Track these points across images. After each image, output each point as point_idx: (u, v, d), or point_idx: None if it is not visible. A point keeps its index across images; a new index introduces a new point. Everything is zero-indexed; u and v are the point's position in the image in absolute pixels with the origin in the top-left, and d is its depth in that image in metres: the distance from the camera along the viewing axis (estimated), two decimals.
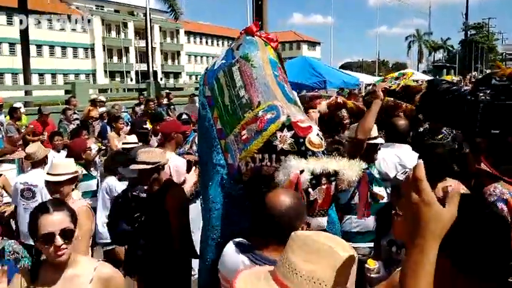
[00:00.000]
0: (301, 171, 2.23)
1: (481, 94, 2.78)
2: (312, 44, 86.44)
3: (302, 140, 2.35)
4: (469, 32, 69.65)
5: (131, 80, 51.22)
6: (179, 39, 68.16)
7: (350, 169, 2.29)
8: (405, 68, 64.93)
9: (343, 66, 47.41)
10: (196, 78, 60.98)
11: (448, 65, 56.99)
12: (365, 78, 20.59)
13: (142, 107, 13.36)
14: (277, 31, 43.05)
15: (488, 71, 44.60)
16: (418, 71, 52.66)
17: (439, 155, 3.21)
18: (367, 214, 3.00)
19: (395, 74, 5.26)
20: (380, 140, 3.82)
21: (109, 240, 4.43)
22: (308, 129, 2.38)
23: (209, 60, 73.12)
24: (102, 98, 12.89)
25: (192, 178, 4.36)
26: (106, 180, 4.86)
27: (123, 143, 5.90)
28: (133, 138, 5.98)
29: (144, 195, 3.78)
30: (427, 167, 3.05)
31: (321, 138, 2.41)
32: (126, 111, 12.58)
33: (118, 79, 53.75)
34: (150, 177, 3.60)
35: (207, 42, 74.37)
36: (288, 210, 1.96)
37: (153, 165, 3.56)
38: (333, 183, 2.34)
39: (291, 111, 2.50)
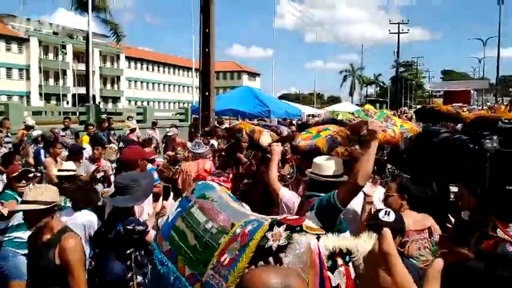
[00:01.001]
0: (318, 238, 2.02)
1: (487, 141, 2.33)
2: (252, 75, 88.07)
3: (299, 227, 2.15)
4: (399, 69, 73.95)
5: (67, 103, 49.34)
6: (119, 64, 67.02)
7: (363, 246, 2.03)
8: (339, 101, 67.74)
9: (281, 97, 48.66)
10: (136, 104, 60.04)
11: (381, 99, 60.03)
12: (306, 110, 21.14)
13: (68, 131, 12.72)
14: (218, 61, 43.49)
15: (417, 106, 47.28)
16: (352, 103, 55.02)
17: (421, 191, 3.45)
18: None
19: (375, 110, 4.96)
20: (345, 178, 3.69)
21: None
22: (299, 219, 2.24)
23: (149, 85, 73.00)
24: (29, 120, 12.16)
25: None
26: (80, 215, 4.38)
27: (59, 170, 5.51)
28: (70, 165, 5.62)
29: (141, 227, 3.52)
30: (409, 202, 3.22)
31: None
32: (65, 135, 12.02)
33: (54, 102, 51.61)
34: (40, 221, 3.02)
35: (147, 68, 73.63)
36: None
37: (47, 206, 2.99)
38: (350, 264, 2.03)
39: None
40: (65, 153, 8.35)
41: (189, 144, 7.44)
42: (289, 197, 3.77)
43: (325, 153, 5.85)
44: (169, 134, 12.21)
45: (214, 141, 10.72)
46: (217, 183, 3.01)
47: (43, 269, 3.02)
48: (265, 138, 6.96)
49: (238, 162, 6.75)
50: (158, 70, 75.30)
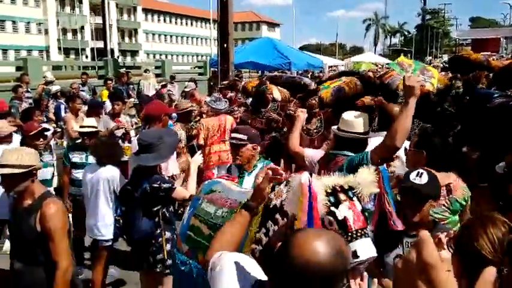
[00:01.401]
0: (310, 174, 2.00)
1: None
2: (272, 25, 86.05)
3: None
4: (425, 17, 71.29)
5: (86, 57, 49.21)
6: (136, 16, 66.15)
7: (364, 179, 2.05)
8: (362, 51, 65.94)
9: (301, 48, 47.46)
10: (154, 57, 59.64)
11: (405, 49, 58.33)
12: (328, 61, 20.58)
13: (86, 87, 12.55)
14: (236, 11, 42.25)
15: (444, 56, 45.79)
16: (375, 53, 53.62)
17: (443, 145, 2.98)
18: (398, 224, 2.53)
19: (413, 64, 4.59)
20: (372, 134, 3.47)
21: (110, 237, 4.33)
22: (298, 173, 2.14)
23: (167, 38, 72.16)
24: (48, 75, 12.06)
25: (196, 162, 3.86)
26: (104, 171, 4.33)
27: (81, 126, 5.36)
28: (91, 121, 5.43)
29: (167, 185, 3.47)
30: (429, 158, 2.71)
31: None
32: (84, 90, 11.92)
33: (73, 56, 51.62)
34: (19, 186, 2.86)
35: (165, 20, 72.51)
36: (326, 264, 1.25)
37: (25, 170, 2.80)
38: (355, 198, 2.03)
39: None
40: (85, 108, 8.27)
41: (208, 99, 7.24)
42: (312, 154, 3.64)
43: (330, 103, 5.71)
44: (186, 89, 11.98)
45: (232, 95, 10.52)
46: (224, 178, 2.95)
47: (24, 236, 2.90)
48: (276, 93, 6.75)
49: (264, 116, 6.58)
50: (176, 22, 74.07)
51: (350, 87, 5.88)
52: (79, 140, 5.46)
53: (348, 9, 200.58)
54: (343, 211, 1.97)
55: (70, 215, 5.09)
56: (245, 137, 3.40)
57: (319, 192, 1.97)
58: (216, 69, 15.25)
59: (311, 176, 2.01)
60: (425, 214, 2.49)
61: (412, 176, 2.51)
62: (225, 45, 12.88)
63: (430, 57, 50.53)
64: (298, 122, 3.80)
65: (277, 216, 2.07)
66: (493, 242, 1.71)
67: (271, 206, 2.14)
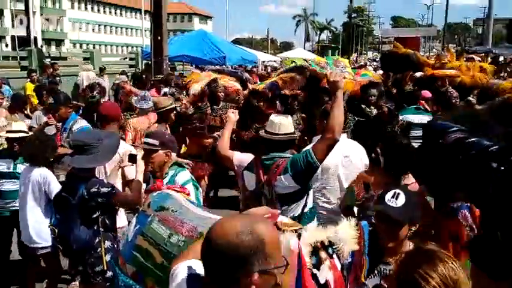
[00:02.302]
0: (298, 236, 1.93)
1: None
2: (204, 18, 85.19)
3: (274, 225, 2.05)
4: (352, 15, 73.92)
5: (6, 45, 45.82)
6: (62, 3, 62.63)
7: (345, 235, 2.01)
8: (292, 47, 67.08)
9: (234, 42, 47.19)
10: (81, 47, 56.88)
11: (332, 45, 60.10)
12: (261, 56, 20.76)
13: None
14: (168, 2, 41.10)
15: (370, 53, 47.62)
16: (304, 49, 54.83)
17: (403, 146, 3.00)
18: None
19: (326, 60, 4.95)
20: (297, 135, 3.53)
21: (47, 244, 3.97)
22: (272, 217, 2.04)
23: (95, 27, 68.97)
24: None
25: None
26: (35, 172, 4.04)
27: (8, 131, 4.58)
28: (21, 125, 4.73)
29: (106, 189, 3.25)
30: (389, 161, 2.73)
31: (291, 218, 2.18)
32: (5, 83, 11.08)
33: None
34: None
35: (92, 9, 69.13)
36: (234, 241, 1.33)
37: None
38: (335, 255, 2.01)
39: None
40: (6, 103, 7.74)
41: (133, 99, 6.68)
42: (241, 158, 3.56)
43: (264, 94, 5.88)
44: (116, 81, 11.51)
45: (167, 90, 10.32)
46: (175, 190, 2.75)
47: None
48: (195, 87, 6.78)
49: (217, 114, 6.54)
50: (104, 11, 70.98)
51: (284, 80, 6.04)
52: (4, 146, 4.79)
53: (277, 4, 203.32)
54: (324, 273, 1.97)
55: None
56: (157, 142, 3.19)
57: (306, 255, 1.91)
58: (149, 62, 14.91)
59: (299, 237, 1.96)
60: (401, 240, 2.27)
61: (388, 197, 2.26)
62: (159, 37, 12.62)
63: (356, 54, 52.59)
64: (229, 124, 3.72)
65: None
66: (447, 285, 1.49)
67: None
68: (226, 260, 1.31)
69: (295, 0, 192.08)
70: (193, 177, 3.26)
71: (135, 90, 9.06)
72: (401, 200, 2.22)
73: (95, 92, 7.72)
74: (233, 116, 3.75)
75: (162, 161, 3.21)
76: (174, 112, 5.98)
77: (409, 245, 2.29)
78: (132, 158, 3.43)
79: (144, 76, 13.37)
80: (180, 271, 1.63)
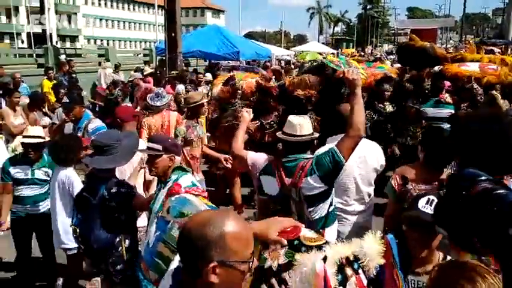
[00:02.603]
0: (324, 259, 1.89)
1: None
2: (216, 12, 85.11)
3: (297, 241, 1.99)
4: (366, 6, 73.13)
5: (22, 42, 46.37)
6: None
7: (370, 249, 1.97)
8: (305, 40, 66.49)
9: (246, 36, 47.11)
10: (95, 42, 57.35)
11: (347, 38, 59.65)
12: (275, 50, 20.64)
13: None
14: None
15: (385, 45, 47.07)
16: (318, 41, 54.46)
17: (446, 140, 3.00)
18: None
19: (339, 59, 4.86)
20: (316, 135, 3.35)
21: (74, 245, 3.92)
22: (295, 229, 2.05)
23: (108, 23, 69.28)
24: None
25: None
26: (61, 173, 4.05)
27: (24, 136, 4.52)
28: (37, 130, 4.57)
29: (126, 190, 3.31)
30: (432, 154, 2.80)
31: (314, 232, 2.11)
32: (24, 81, 11.13)
33: (7, 41, 48.42)
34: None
35: (106, 4, 69.59)
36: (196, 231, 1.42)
37: None
38: (360, 271, 1.96)
39: None
40: (26, 100, 7.81)
41: (148, 96, 6.51)
42: (256, 158, 3.49)
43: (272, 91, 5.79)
44: (130, 78, 11.47)
45: (181, 86, 10.30)
46: (193, 194, 2.77)
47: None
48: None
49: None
50: (117, 6, 71.29)
51: (292, 83, 5.95)
52: (20, 151, 4.73)
53: None
54: None
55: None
56: (160, 147, 3.17)
57: (332, 278, 1.88)
58: (163, 57, 14.91)
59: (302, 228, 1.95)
60: (433, 249, 2.18)
61: (421, 204, 2.14)
62: (173, 34, 12.59)
63: (371, 47, 52.04)
64: (243, 123, 3.67)
65: (274, 281, 1.97)
66: None
67: (265, 267, 2.00)
68: (189, 248, 1.43)
69: None
70: (195, 182, 3.17)
71: (150, 87, 9.05)
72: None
73: (117, 90, 7.74)
74: (247, 115, 3.70)
75: (166, 166, 3.18)
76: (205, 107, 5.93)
77: (438, 255, 2.21)
78: None
79: (158, 72, 13.43)
80: (174, 261, 1.71)
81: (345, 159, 2.92)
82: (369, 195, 3.67)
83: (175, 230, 2.45)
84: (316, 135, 3.20)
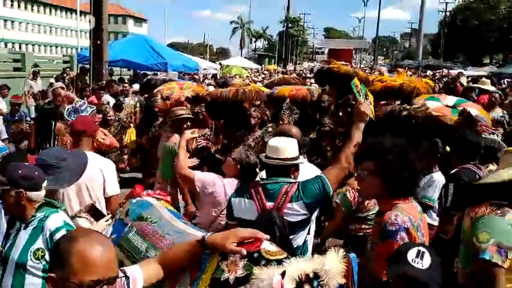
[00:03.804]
0: (283, 274, 1.82)
1: None
2: (139, 20, 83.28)
3: (257, 254, 1.95)
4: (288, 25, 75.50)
5: None
6: None
7: (331, 267, 1.91)
8: (228, 53, 67.11)
9: (169, 46, 45.90)
10: (6, 46, 53.27)
11: (270, 54, 61.13)
12: (202, 63, 20.55)
13: None
14: None
15: (305, 63, 48.87)
16: (241, 56, 55.24)
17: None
18: None
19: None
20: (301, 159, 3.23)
21: None
22: (256, 242, 2.01)
23: (22, 26, 64.68)
24: None
25: None
26: None
27: None
28: None
29: None
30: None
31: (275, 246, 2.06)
32: None
33: None
34: None
35: (19, 6, 64.97)
36: None
37: None
38: None
39: None
40: None
41: (65, 110, 6.06)
42: (204, 178, 3.41)
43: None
44: (51, 88, 10.74)
45: (108, 97, 9.88)
46: (155, 198, 2.60)
47: None
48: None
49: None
50: (32, 9, 66.79)
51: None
52: None
53: (213, 10, 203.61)
54: None
55: None
56: (5, 179, 2.55)
57: (287, 282, 1.82)
58: (85, 65, 14.21)
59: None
60: None
61: (411, 257, 1.96)
62: (98, 41, 12.05)
63: (292, 64, 53.71)
64: (182, 141, 3.57)
65: None
66: None
67: (222, 279, 1.94)
68: (51, 252, 1.60)
69: (230, 7, 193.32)
70: (68, 222, 2.69)
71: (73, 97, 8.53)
72: (428, 259, 1.94)
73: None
74: (188, 132, 3.62)
75: (16, 202, 2.58)
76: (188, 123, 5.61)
77: None
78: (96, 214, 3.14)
79: (80, 82, 12.76)
80: None
81: (332, 190, 2.85)
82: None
83: (133, 233, 2.33)
84: (302, 160, 3.06)
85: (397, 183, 2.33)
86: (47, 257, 2.52)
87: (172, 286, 2.05)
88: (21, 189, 2.57)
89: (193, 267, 2.01)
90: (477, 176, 3.67)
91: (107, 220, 3.00)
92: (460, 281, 2.65)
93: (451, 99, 5.18)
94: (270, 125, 5.98)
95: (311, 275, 1.89)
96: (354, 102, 6.76)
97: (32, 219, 2.61)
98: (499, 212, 2.44)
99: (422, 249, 1.97)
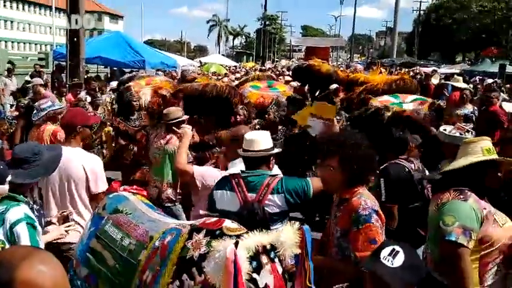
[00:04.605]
0: (236, 244, 1.93)
1: None
2: (115, 17, 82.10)
3: (219, 231, 2.05)
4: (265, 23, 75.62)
5: None
6: None
7: (287, 239, 2.03)
8: (206, 51, 66.79)
9: (146, 43, 45.50)
10: None
11: (247, 52, 61.15)
12: (181, 61, 20.49)
13: None
14: None
15: (283, 61, 49.15)
16: (219, 53, 55.12)
17: None
18: None
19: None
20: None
21: None
22: (218, 221, 2.14)
23: (6, 24, 62.96)
24: None
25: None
26: None
27: None
28: None
29: None
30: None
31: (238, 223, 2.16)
32: None
33: None
34: None
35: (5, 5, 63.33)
36: None
37: None
38: (276, 259, 2.02)
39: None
40: None
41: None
42: (202, 172, 3.50)
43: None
44: (29, 85, 10.61)
45: (84, 94, 9.81)
46: (132, 192, 2.71)
47: None
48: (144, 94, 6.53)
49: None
50: (5, 5, 65.07)
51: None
52: None
53: (190, 7, 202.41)
54: (264, 277, 1.98)
55: None
56: None
57: (243, 262, 1.92)
58: (61, 63, 14.03)
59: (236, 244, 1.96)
60: None
61: (384, 254, 1.92)
62: (75, 38, 11.91)
63: (269, 61, 53.87)
64: (185, 138, 3.65)
65: (194, 270, 2.00)
66: None
67: (187, 257, 2.04)
68: None
69: (208, 5, 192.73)
70: (29, 215, 2.71)
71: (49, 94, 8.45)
72: (400, 259, 1.89)
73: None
74: (189, 130, 3.68)
75: None
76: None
77: None
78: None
79: (56, 80, 12.62)
80: None
81: (311, 195, 2.96)
82: None
83: (109, 225, 2.46)
84: (276, 150, 3.14)
85: (358, 174, 2.51)
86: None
87: (144, 269, 2.18)
88: None
89: (164, 249, 2.14)
90: (406, 169, 3.93)
91: (68, 226, 3.08)
92: (428, 266, 2.78)
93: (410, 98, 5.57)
94: (257, 121, 6.11)
95: (268, 247, 2.04)
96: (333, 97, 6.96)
97: None
98: (461, 196, 2.60)
99: (398, 248, 1.93)
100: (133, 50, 15.09)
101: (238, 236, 2.03)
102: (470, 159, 2.68)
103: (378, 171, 4.08)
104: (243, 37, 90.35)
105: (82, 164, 3.61)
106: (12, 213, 2.61)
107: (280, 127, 6.08)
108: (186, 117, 5.07)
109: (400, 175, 3.89)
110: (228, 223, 2.13)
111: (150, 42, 60.10)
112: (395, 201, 3.81)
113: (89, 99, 9.19)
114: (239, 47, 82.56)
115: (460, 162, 2.73)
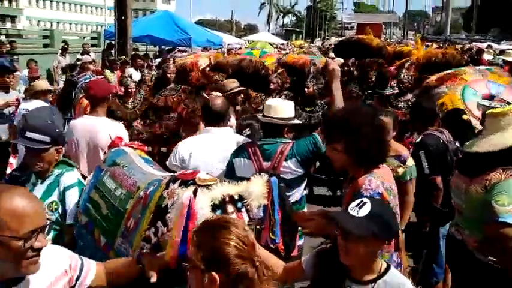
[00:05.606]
0: (195, 192, 1.99)
1: None
2: None
3: (192, 181, 2.10)
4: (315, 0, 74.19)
5: None
6: None
7: (255, 190, 2.05)
8: (256, 29, 66.41)
9: (197, 23, 45.69)
10: (38, 24, 54.57)
11: (297, 30, 60.39)
12: (226, 38, 20.61)
13: None
14: None
15: (333, 38, 48.26)
16: (269, 32, 54.75)
17: None
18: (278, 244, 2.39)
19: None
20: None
21: None
22: (193, 173, 2.18)
23: (53, 4, 65.87)
24: None
25: None
26: None
27: None
28: None
29: None
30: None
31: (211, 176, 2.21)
32: None
33: None
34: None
35: None
36: None
37: None
38: (243, 209, 2.05)
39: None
40: None
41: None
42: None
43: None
44: (79, 62, 11.09)
45: (131, 70, 10.14)
46: (132, 147, 2.78)
47: None
48: None
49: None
50: None
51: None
52: None
53: None
54: None
55: None
56: (48, 139, 2.68)
57: (204, 208, 1.96)
58: (111, 42, 14.51)
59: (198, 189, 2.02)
60: (361, 257, 1.86)
61: (352, 205, 1.89)
62: (123, 17, 12.25)
63: (319, 39, 52.94)
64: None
65: (167, 217, 2.08)
66: None
67: (162, 205, 2.12)
68: None
69: None
70: (82, 180, 2.88)
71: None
72: (366, 210, 1.84)
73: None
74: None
75: (53, 160, 2.77)
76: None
77: (380, 264, 1.95)
78: None
79: (106, 57, 13.08)
80: None
81: (324, 147, 2.89)
82: None
83: (107, 177, 2.56)
84: (296, 121, 3.17)
85: (368, 157, 2.37)
86: (60, 209, 2.76)
87: (129, 216, 2.30)
88: (61, 146, 2.79)
89: (146, 198, 2.25)
90: (441, 140, 3.80)
91: None
92: (470, 247, 2.70)
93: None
94: (285, 93, 6.13)
95: (236, 197, 2.07)
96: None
97: (50, 175, 2.78)
98: None
99: (366, 200, 1.90)
100: (180, 29, 15.36)
101: (207, 186, 2.07)
102: None
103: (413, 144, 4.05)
104: (294, 15, 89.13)
105: (109, 133, 3.69)
106: (67, 177, 2.78)
107: (319, 101, 6.06)
108: (241, 88, 5.08)
109: (438, 146, 3.78)
110: (202, 174, 2.18)
111: (201, 22, 60.54)
112: (438, 173, 3.71)
113: (137, 75, 9.51)
114: (289, 25, 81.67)
115: (504, 139, 2.57)
